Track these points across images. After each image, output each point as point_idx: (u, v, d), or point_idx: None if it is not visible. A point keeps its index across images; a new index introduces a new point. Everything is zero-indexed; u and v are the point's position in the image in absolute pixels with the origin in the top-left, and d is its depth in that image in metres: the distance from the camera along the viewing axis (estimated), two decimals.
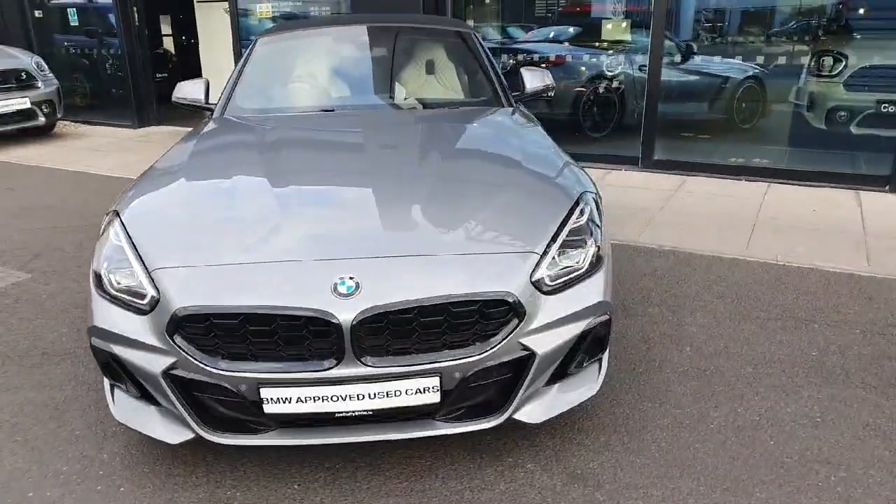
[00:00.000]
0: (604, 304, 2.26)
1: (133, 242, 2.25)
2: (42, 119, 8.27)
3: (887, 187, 5.34)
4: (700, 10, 6.31)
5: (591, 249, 2.30)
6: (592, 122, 7.01)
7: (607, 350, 2.42)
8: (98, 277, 2.25)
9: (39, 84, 8.24)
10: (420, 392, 2.05)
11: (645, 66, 6.12)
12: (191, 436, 2.15)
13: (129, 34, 9.15)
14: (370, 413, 2.06)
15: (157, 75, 10.36)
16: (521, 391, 2.16)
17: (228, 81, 3.73)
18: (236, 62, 6.12)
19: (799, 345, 3.04)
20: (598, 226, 2.42)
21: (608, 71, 6.77)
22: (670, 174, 6.04)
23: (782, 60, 6.00)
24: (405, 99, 3.72)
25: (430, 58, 3.88)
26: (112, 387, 2.33)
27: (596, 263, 2.30)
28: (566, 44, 6.99)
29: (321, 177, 2.69)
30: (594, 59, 6.83)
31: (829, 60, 5.84)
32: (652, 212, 4.96)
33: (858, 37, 5.75)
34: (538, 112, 6.97)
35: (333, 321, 1.95)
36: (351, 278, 2.02)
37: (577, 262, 2.25)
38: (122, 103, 9.46)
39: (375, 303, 1.98)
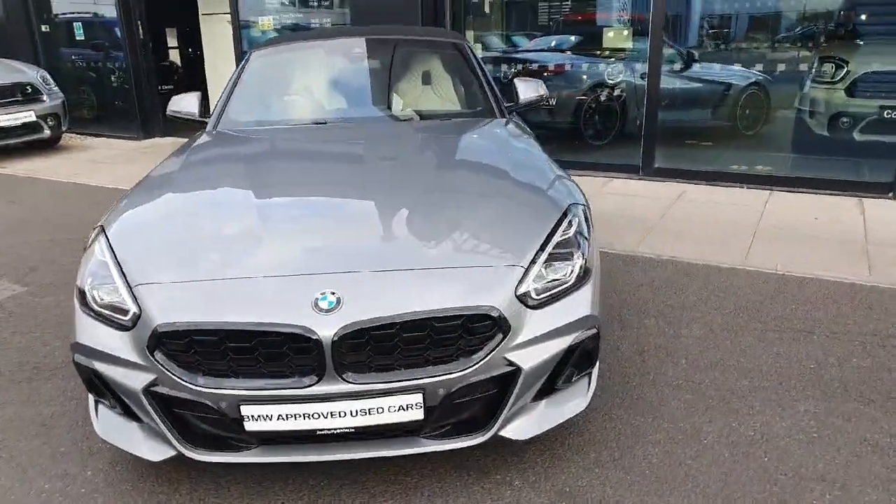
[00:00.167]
0: (591, 318, 2.22)
1: (117, 258, 2.24)
2: (47, 132, 8.34)
3: (891, 194, 5.27)
4: (702, 17, 6.28)
5: (579, 262, 2.26)
6: (594, 131, 6.98)
7: (597, 364, 2.38)
8: (82, 294, 2.24)
9: (45, 97, 8.30)
10: (403, 409, 2.02)
11: (646, 73, 6.09)
12: (172, 453, 2.13)
13: (134, 47, 9.22)
14: (352, 431, 2.03)
15: (163, 87, 10.42)
16: (507, 407, 2.12)
17: (222, 94, 3.74)
18: None
19: (796, 357, 2.98)
20: (586, 238, 2.38)
21: (609, 79, 6.74)
22: (671, 182, 5.99)
23: (785, 66, 5.95)
24: (398, 111, 3.71)
25: (422, 69, 3.87)
26: (96, 403, 2.31)
27: (583, 277, 2.26)
28: (567, 52, 6.97)
29: (307, 190, 2.67)
30: (595, 68, 6.80)
31: (831, 66, 5.79)
32: (651, 221, 4.92)
33: (861, 42, 5.70)
34: (539, 121, 7.00)
35: (313, 337, 1.93)
36: (332, 293, 1.99)
37: (564, 276, 2.22)
38: (126, 115, 9.53)
39: (356, 318, 1.95)
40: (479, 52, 7.30)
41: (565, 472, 2.30)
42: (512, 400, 2.11)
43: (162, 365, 2.02)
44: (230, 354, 1.98)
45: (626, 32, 6.56)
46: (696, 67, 6.33)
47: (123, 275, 2.17)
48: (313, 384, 1.97)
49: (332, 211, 2.49)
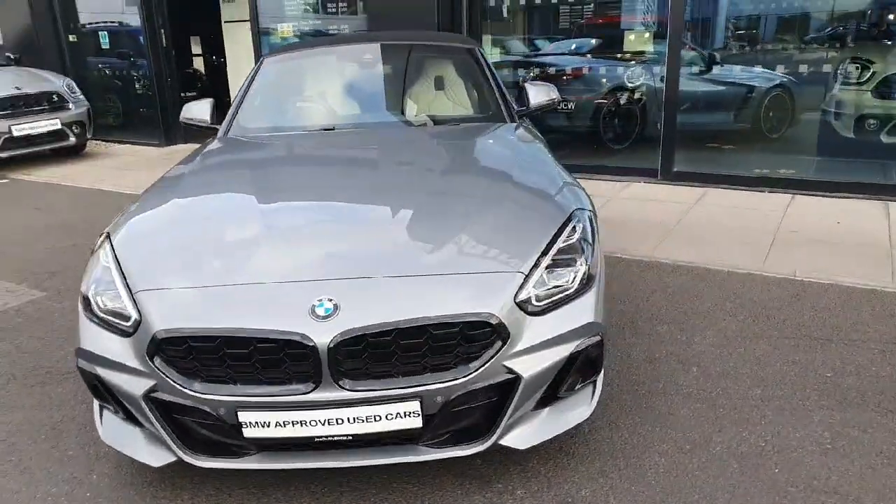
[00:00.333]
0: (595, 325, 2.18)
1: (120, 264, 2.26)
2: (73, 139, 8.50)
3: None
4: (724, 19, 6.18)
5: (582, 269, 2.22)
6: (613, 134, 6.90)
7: (602, 372, 2.34)
8: (86, 300, 2.27)
9: (70, 105, 8.47)
10: (400, 416, 2.00)
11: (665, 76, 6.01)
12: (173, 459, 2.13)
13: (157, 55, 9.37)
14: (349, 438, 2.02)
15: (187, 94, 10.57)
16: (508, 416, 2.09)
17: (234, 101, 3.77)
18: None
19: (813, 365, 2.90)
20: (590, 244, 2.34)
21: (629, 82, 6.67)
22: (691, 186, 5.90)
23: (810, 68, 5.83)
24: (406, 116, 3.70)
25: (432, 75, 3.86)
26: (101, 408, 2.33)
27: (587, 283, 2.22)
28: (587, 56, 6.91)
29: (311, 196, 2.68)
30: (614, 71, 6.73)
31: (857, 68, 5.65)
32: (669, 225, 4.84)
33: (889, 43, 5.55)
34: (557, 125, 6.95)
35: (309, 344, 1.92)
36: (329, 300, 1.99)
37: (567, 282, 2.18)
38: (150, 123, 9.68)
39: (353, 325, 1.94)
40: (498, 57, 7.29)
41: (569, 482, 2.26)
42: (512, 408, 2.08)
43: (161, 371, 2.02)
44: (228, 361, 1.98)
45: (646, 35, 6.48)
46: (717, 70, 6.23)
47: (126, 281, 2.19)
48: (310, 391, 1.96)
49: (335, 217, 2.48)
